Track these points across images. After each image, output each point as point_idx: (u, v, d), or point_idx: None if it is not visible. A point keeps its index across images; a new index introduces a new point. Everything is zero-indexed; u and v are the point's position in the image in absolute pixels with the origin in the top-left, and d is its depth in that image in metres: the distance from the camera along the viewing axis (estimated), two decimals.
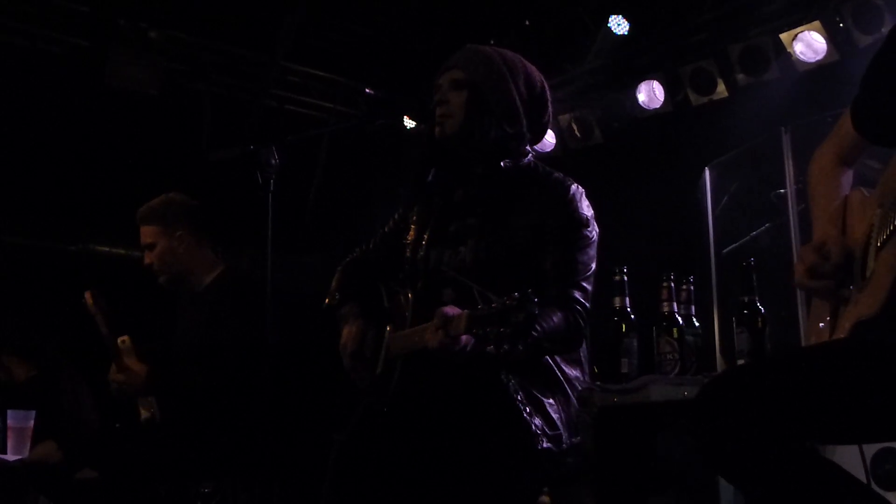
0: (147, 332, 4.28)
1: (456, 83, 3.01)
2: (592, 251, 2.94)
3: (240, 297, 4.03)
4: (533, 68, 3.11)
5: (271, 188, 3.00)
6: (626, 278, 3.21)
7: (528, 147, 3.09)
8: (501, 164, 3.01)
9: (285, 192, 3.10)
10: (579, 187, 2.99)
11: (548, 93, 3.12)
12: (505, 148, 3.01)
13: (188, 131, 6.93)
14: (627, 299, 3.21)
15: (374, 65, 7.41)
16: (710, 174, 5.90)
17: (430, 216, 3.09)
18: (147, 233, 4.23)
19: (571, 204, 2.93)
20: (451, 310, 2.57)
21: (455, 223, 3.02)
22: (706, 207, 5.80)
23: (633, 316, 3.18)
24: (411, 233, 3.13)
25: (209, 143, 6.69)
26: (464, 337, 2.53)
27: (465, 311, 2.50)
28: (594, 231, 2.97)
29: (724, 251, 5.64)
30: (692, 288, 3.26)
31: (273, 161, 3.01)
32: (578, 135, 6.88)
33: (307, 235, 6.85)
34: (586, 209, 2.97)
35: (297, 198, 6.77)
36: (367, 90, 7.51)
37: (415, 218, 3.16)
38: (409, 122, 6.99)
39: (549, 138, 7.03)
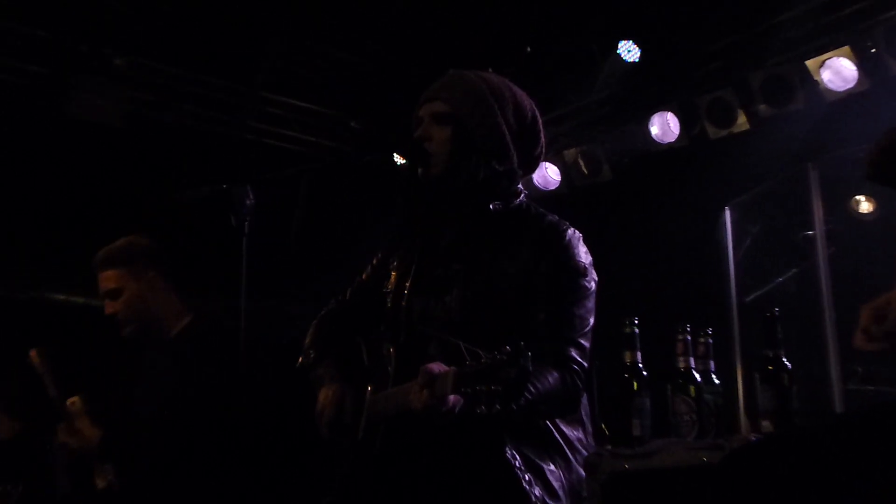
0: (107, 388, 4.26)
1: (438, 117, 3.02)
2: (591, 303, 2.93)
3: (210, 349, 4.02)
4: (522, 95, 3.12)
5: (246, 231, 3.02)
6: (637, 330, 3.20)
7: (519, 186, 3.10)
8: (491, 205, 3.01)
9: (262, 235, 3.11)
10: (576, 231, 2.99)
11: (539, 122, 3.13)
12: (494, 187, 3.02)
13: (156, 168, 6.93)
14: (639, 353, 3.20)
15: (362, 96, 7.44)
16: (730, 214, 5.92)
17: (412, 262, 3.09)
18: (111, 277, 4.22)
19: (567, 250, 2.93)
20: (437, 367, 2.56)
21: (439, 269, 3.02)
22: (726, 251, 5.81)
23: (645, 372, 3.17)
24: (392, 280, 3.13)
25: (178, 182, 6.69)
26: (451, 397, 2.51)
27: (453, 368, 2.49)
28: (593, 281, 2.96)
29: (747, 299, 5.64)
30: (711, 341, 3.25)
31: (248, 201, 3.03)
32: (585, 171, 6.90)
33: (286, 283, 6.84)
34: (584, 256, 2.96)
35: (275, 241, 6.76)
36: (354, 123, 7.55)
37: (395, 263, 3.17)
38: (400, 160, 7.02)
39: (554, 175, 7.05)
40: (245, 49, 6.97)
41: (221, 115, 7.28)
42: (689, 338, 3.19)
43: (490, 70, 3.19)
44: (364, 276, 3.32)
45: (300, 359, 3.26)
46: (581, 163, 6.93)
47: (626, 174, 6.79)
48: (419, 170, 3.03)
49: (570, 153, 6.99)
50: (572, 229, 3.00)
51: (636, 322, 3.19)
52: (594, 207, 6.84)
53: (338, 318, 3.32)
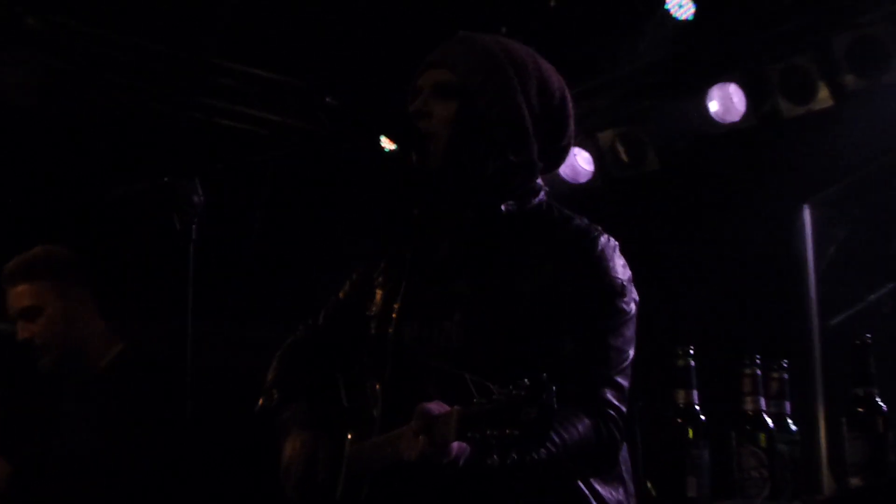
0: (20, 430, 4.27)
1: (441, 89, 3.03)
2: (630, 331, 2.95)
3: (147, 385, 4.06)
4: (550, 68, 3.14)
5: (193, 235, 3.03)
6: (692, 363, 3.22)
7: (539, 181, 3.11)
8: (502, 206, 3.03)
9: (213, 240, 3.11)
10: (610, 239, 3.01)
11: (569, 105, 3.16)
12: (508, 183, 3.03)
13: (78, 157, 6.94)
14: (695, 393, 3.22)
15: (341, 64, 7.44)
16: (810, 214, 5.92)
17: (402, 277, 3.10)
18: (26, 293, 4.24)
19: (600, 263, 2.95)
20: (437, 407, 2.57)
21: (437, 288, 3.03)
22: (805, 261, 5.82)
23: (702, 416, 3.18)
24: (377, 300, 3.15)
25: (108, 174, 6.69)
26: (455, 445, 2.51)
27: (456, 407, 2.49)
28: (632, 302, 2.97)
29: (831, 323, 5.65)
30: (786, 376, 3.27)
31: (196, 198, 3.05)
32: (625, 159, 6.90)
33: (243, 300, 6.85)
34: (621, 270, 2.98)
35: (230, 248, 6.77)
36: (330, 98, 7.55)
37: (382, 279, 3.18)
38: (387, 144, 7.00)
39: (585, 164, 7.06)
40: (192, 4, 6.97)
41: (162, 89, 7.27)
42: (758, 372, 3.21)
43: (504, 30, 3.21)
44: (341, 295, 3.33)
45: (260, 400, 3.27)
46: (620, 148, 6.95)
47: (676, 163, 6.79)
48: (413, 156, 3.04)
49: (605, 136, 7.00)
50: (606, 236, 3.01)
51: (691, 352, 3.19)
52: (636, 205, 6.85)
53: (308, 347, 3.34)
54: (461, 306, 2.96)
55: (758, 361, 3.21)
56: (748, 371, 3.21)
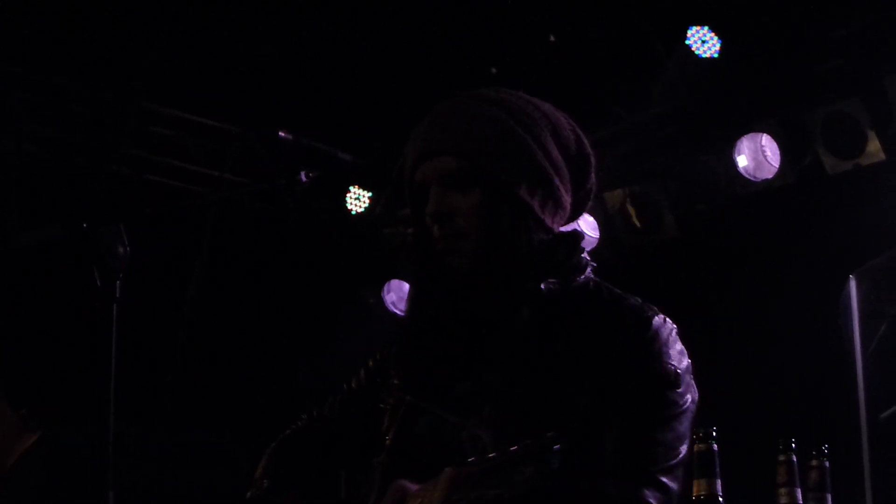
0: None
1: (453, 180, 3.04)
2: (683, 426, 2.97)
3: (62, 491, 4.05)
4: (551, 109, 3.17)
5: (118, 293, 3.01)
6: (715, 447, 3.22)
7: (585, 256, 3.15)
8: (542, 285, 3.07)
9: (142, 301, 3.12)
10: (668, 321, 3.04)
11: (585, 141, 3.18)
12: (551, 257, 3.08)
13: None
14: (718, 483, 3.21)
15: (298, 109, 7.45)
16: (856, 287, 5.94)
17: (424, 367, 3.13)
18: None
19: (652, 347, 2.97)
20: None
21: (464, 380, 3.06)
22: (851, 341, 5.82)
23: None
24: (393, 392, 3.17)
25: (16, 224, 6.66)
26: None
27: (447, 469, 2.56)
28: (688, 395, 3.00)
29: (882, 416, 5.65)
30: (827, 464, 3.27)
31: (121, 248, 3.02)
32: (638, 223, 6.93)
33: (180, 387, 6.80)
34: (677, 357, 3.00)
35: (164, 313, 6.70)
36: (282, 133, 7.46)
37: (400, 368, 3.20)
38: (356, 202, 6.96)
39: (589, 230, 7.05)
40: (118, 38, 7.00)
41: (80, 138, 7.28)
42: (794, 459, 3.21)
43: (494, 71, 3.20)
44: (353, 384, 3.35)
45: (248, 492, 3.25)
46: (631, 211, 6.97)
47: (699, 228, 6.83)
48: (449, 261, 3.04)
49: (614, 196, 7.04)
50: (661, 317, 3.03)
51: (714, 434, 3.20)
52: (650, 279, 6.84)
53: (309, 439, 3.35)
54: (491, 401, 2.99)
55: (793, 446, 3.21)
56: (783, 458, 3.21)
